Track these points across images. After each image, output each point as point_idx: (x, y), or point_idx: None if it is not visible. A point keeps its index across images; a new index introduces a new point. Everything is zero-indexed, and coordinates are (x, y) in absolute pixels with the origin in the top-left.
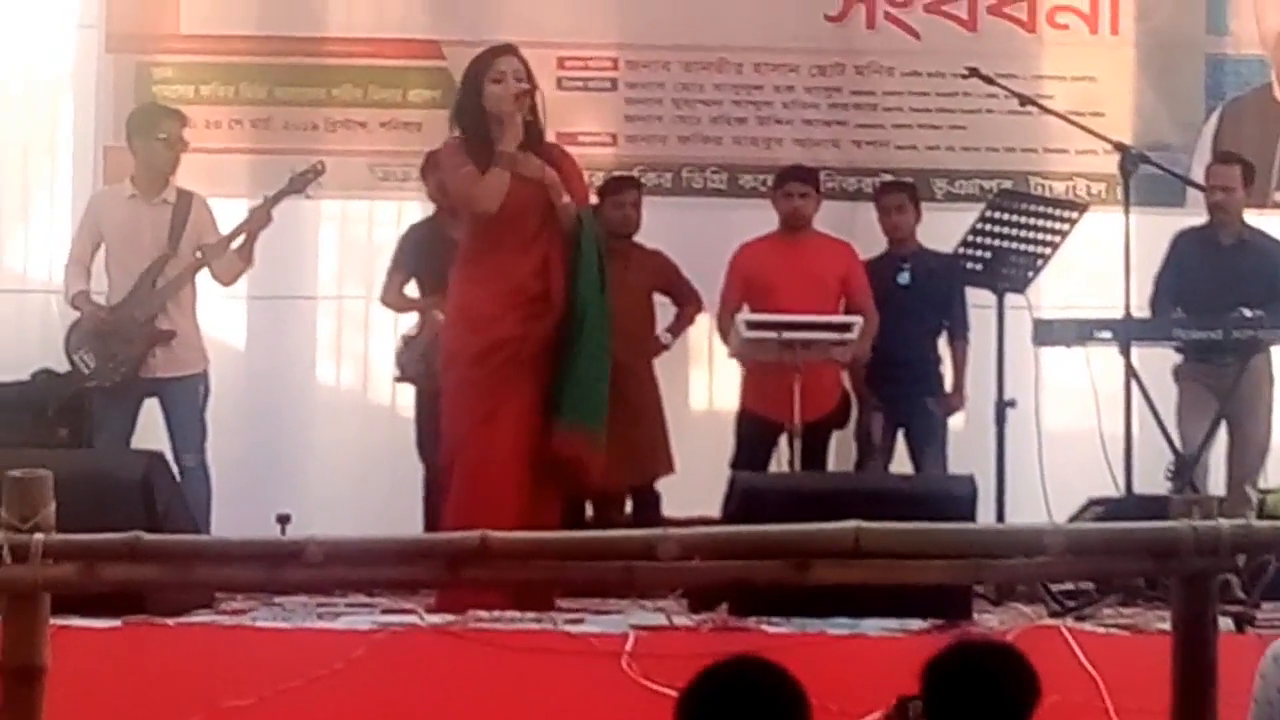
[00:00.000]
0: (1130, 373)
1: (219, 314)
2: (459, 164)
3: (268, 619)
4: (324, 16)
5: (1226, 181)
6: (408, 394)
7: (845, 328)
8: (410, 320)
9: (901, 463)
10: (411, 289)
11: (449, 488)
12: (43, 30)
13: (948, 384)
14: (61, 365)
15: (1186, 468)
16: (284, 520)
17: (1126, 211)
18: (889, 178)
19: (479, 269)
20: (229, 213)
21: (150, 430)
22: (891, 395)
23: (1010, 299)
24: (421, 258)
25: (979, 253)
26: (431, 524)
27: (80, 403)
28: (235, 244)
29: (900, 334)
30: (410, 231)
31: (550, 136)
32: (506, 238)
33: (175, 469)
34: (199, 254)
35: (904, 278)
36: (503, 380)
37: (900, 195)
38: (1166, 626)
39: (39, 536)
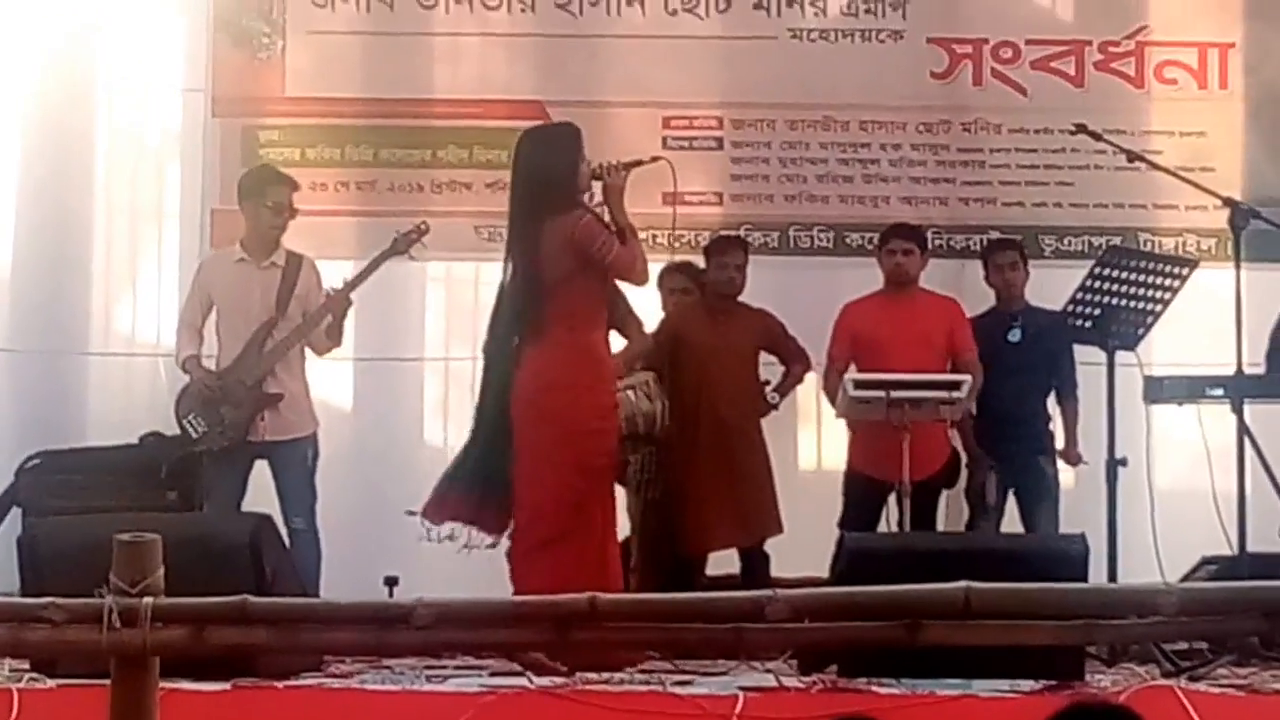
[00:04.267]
0: (1243, 429)
1: (327, 376)
2: (614, 237)
3: (376, 682)
4: (429, 78)
5: None
6: None
7: (954, 386)
8: None
9: (1013, 522)
10: None
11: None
12: (150, 94)
13: (1058, 442)
14: (170, 429)
15: None
16: (392, 583)
17: (1238, 267)
18: (997, 235)
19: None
20: (337, 274)
21: (260, 493)
22: (1003, 454)
23: (1121, 356)
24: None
25: (1089, 310)
26: None
27: (190, 466)
28: (323, 324)
29: (1011, 392)
30: None
31: (655, 195)
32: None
33: (284, 532)
34: (303, 321)
35: (1015, 335)
36: None
37: (1011, 252)
38: None
39: (148, 600)
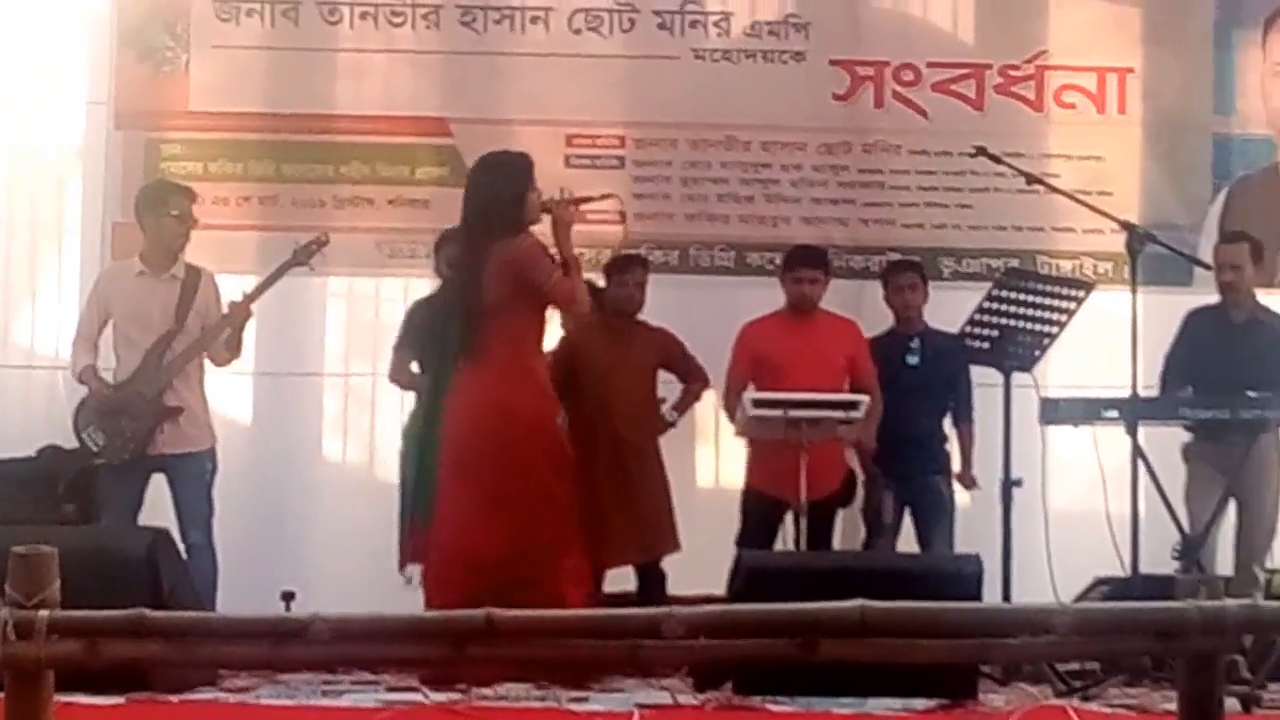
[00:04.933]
0: (1137, 452)
1: (226, 390)
2: (554, 265)
3: (272, 696)
4: (332, 93)
5: (1235, 260)
6: None
7: (851, 406)
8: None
9: (909, 541)
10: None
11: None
12: (52, 107)
13: (954, 462)
14: (68, 441)
15: (1193, 547)
16: (289, 597)
17: (1134, 290)
18: (896, 256)
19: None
20: (237, 289)
21: (157, 507)
22: (900, 474)
23: (1017, 378)
24: (425, 334)
25: (986, 331)
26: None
27: (87, 479)
28: (222, 336)
29: (909, 412)
30: (415, 307)
31: None
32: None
33: (181, 546)
34: (202, 333)
35: (913, 357)
36: None
37: (911, 274)
38: (1173, 707)
39: (43, 613)
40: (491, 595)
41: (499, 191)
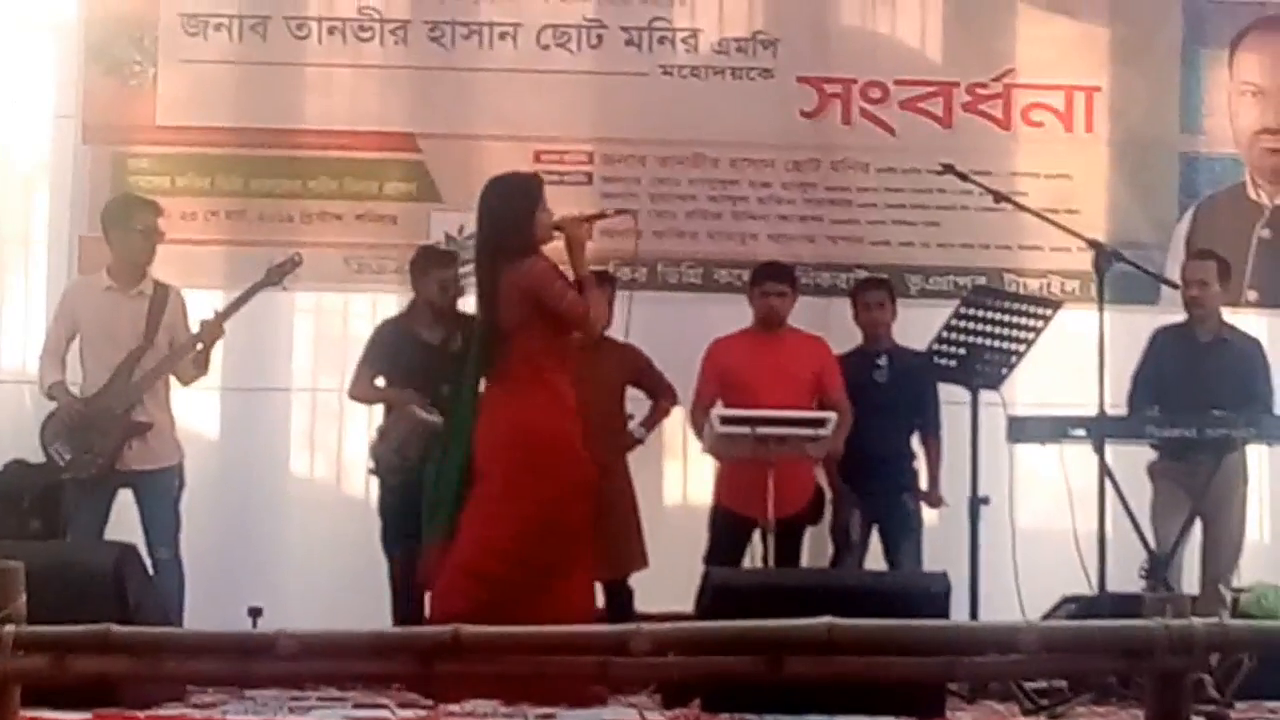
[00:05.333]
0: (1104, 470)
1: (193, 406)
2: (566, 286)
3: (239, 712)
4: (300, 109)
5: (1202, 276)
6: (379, 487)
7: (819, 423)
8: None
9: (876, 558)
10: (380, 384)
11: None
12: (19, 120)
13: (922, 479)
14: (33, 456)
15: (1160, 566)
16: (256, 613)
17: (1101, 309)
18: (864, 273)
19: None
20: (205, 304)
21: (124, 522)
22: (868, 491)
23: (984, 396)
24: (391, 355)
25: (953, 349)
26: (400, 617)
27: (54, 494)
28: (192, 353)
29: (877, 430)
30: (381, 328)
31: None
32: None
33: (148, 561)
34: (171, 350)
35: (881, 374)
36: None
37: (881, 292)
38: None
39: (10, 628)
40: (491, 609)
41: (508, 213)
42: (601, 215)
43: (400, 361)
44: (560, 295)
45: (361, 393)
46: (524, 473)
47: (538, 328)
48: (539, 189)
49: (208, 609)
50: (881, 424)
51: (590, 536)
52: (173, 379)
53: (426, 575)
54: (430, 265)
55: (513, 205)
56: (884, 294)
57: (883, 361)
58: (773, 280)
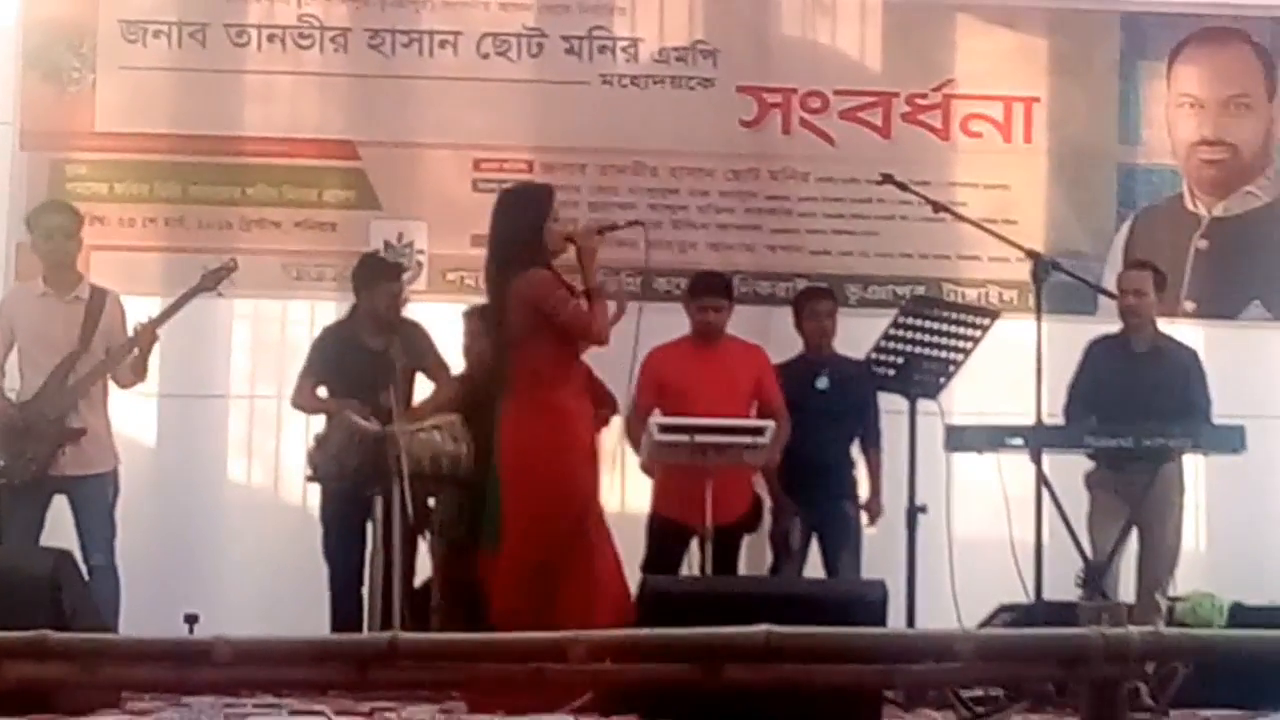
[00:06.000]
0: (1041, 479)
1: (130, 412)
2: (568, 295)
3: (175, 719)
4: (239, 116)
5: (1138, 286)
6: (319, 494)
7: (758, 431)
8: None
9: (815, 567)
10: (322, 393)
11: None
12: None
13: (862, 488)
14: None
15: (1096, 575)
16: (192, 620)
17: (1039, 319)
18: (804, 283)
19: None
20: (144, 311)
21: (59, 529)
22: (808, 499)
23: (922, 405)
24: (333, 363)
25: (891, 358)
26: (339, 624)
27: None
28: (128, 358)
29: (818, 439)
30: (324, 334)
31: (464, 238)
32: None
33: (83, 568)
34: (107, 355)
35: (823, 383)
36: None
37: (830, 302)
38: None
39: None
40: (544, 598)
41: (517, 223)
42: (614, 226)
43: (342, 369)
44: (562, 304)
45: (304, 402)
46: (520, 487)
47: (540, 339)
48: (549, 200)
49: (144, 616)
50: (823, 432)
51: (606, 532)
52: (111, 384)
53: (483, 577)
54: (378, 277)
55: (522, 216)
56: (832, 304)
57: (824, 370)
58: (709, 295)
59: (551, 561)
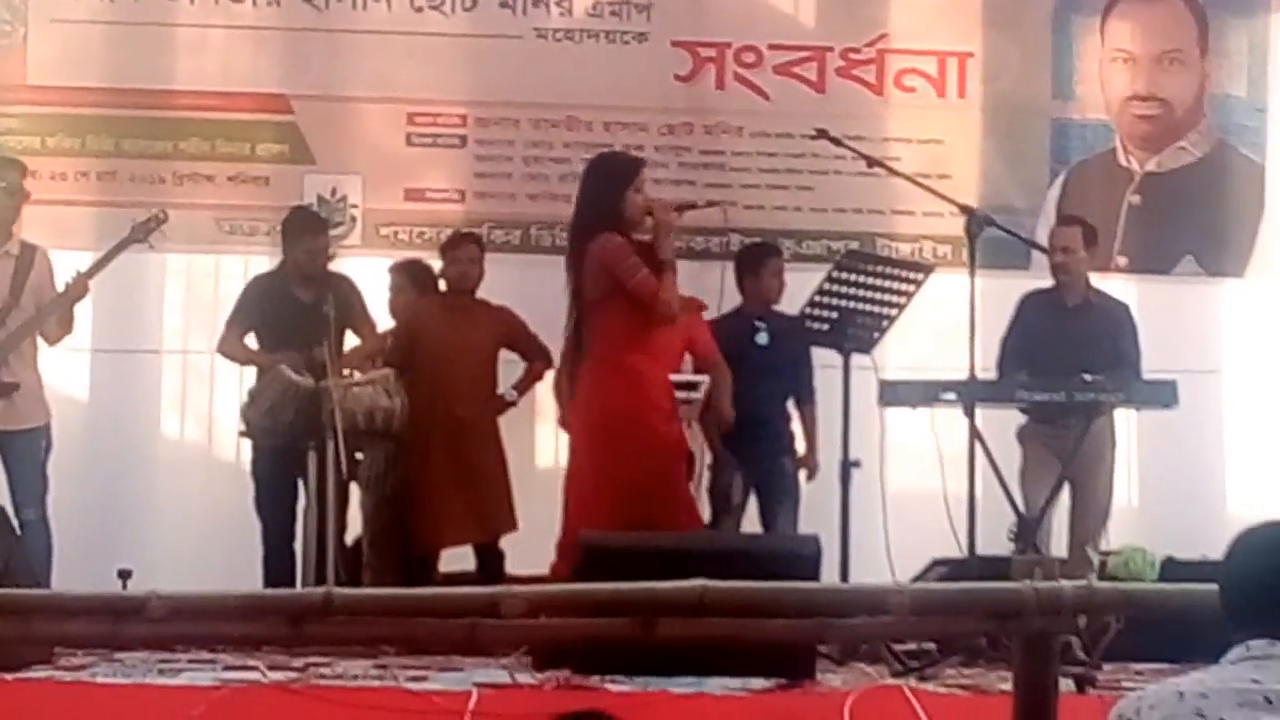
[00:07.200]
0: (974, 434)
1: (63, 366)
2: (639, 264)
3: (108, 675)
4: (172, 69)
5: (1068, 242)
6: (250, 449)
7: (691, 386)
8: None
9: (752, 522)
10: (250, 341)
11: None
12: None
13: (797, 444)
14: None
15: (1029, 529)
16: (125, 575)
17: (972, 274)
18: (739, 238)
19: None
20: (73, 265)
21: None
22: (748, 455)
23: (856, 359)
24: (264, 311)
25: (825, 313)
26: (272, 579)
27: None
28: (57, 313)
29: (758, 394)
30: (254, 283)
31: (398, 192)
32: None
33: (15, 522)
34: (37, 311)
35: (762, 338)
36: None
37: (778, 259)
38: (1008, 687)
39: None
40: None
41: (599, 191)
42: (693, 205)
43: (272, 319)
44: (631, 271)
45: (231, 349)
46: (601, 451)
47: (613, 303)
48: (635, 170)
49: (76, 571)
50: (762, 388)
51: (688, 497)
52: (40, 340)
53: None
54: (302, 231)
55: (606, 182)
56: (781, 261)
57: (762, 325)
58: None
59: (643, 523)
